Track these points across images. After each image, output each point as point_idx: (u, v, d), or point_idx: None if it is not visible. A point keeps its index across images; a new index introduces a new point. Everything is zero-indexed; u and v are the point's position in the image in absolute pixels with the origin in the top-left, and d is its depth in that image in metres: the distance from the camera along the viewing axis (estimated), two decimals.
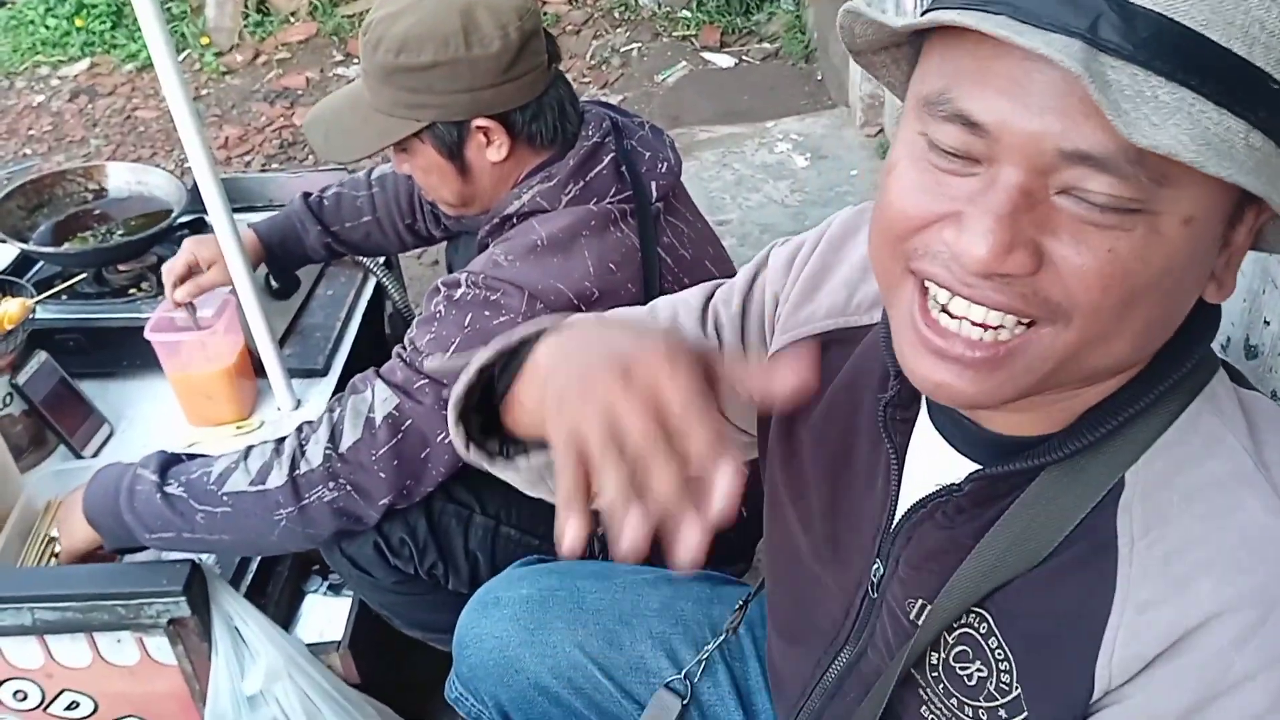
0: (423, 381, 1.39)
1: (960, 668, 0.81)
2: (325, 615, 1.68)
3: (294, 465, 1.40)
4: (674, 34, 5.18)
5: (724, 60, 4.92)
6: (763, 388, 0.68)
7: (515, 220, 1.48)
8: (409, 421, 1.39)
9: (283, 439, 1.46)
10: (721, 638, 1.27)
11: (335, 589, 1.72)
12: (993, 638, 0.78)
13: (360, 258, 2.10)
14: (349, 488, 1.40)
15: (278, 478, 1.40)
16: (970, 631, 0.80)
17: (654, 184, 1.53)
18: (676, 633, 1.30)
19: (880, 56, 0.76)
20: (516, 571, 1.37)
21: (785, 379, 0.67)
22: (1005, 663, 0.77)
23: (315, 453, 1.40)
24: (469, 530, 1.56)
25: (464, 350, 1.38)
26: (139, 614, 1.38)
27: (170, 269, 1.78)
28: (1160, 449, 0.73)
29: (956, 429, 0.81)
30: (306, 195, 1.94)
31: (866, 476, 0.90)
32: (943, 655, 0.82)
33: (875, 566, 0.89)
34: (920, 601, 0.83)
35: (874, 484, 0.89)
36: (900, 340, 0.72)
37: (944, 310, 0.68)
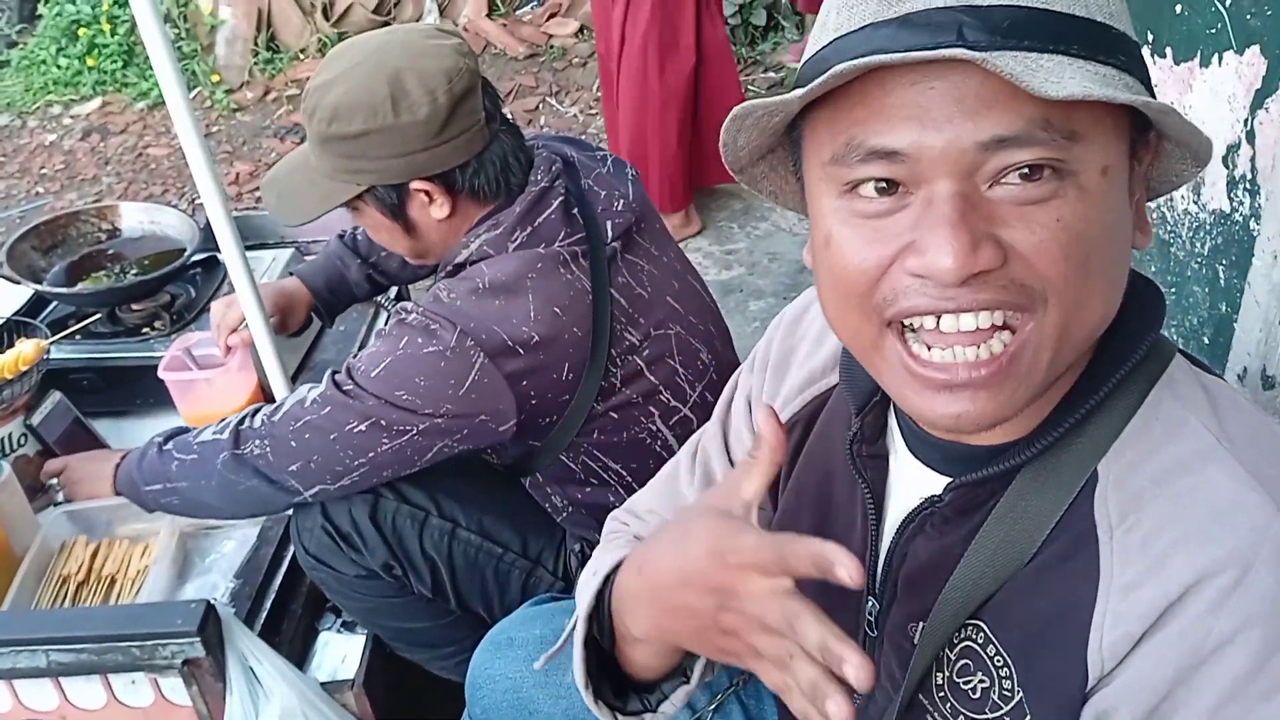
0: (352, 385, 1.47)
1: (964, 682, 0.81)
2: (339, 653, 1.67)
3: (242, 421, 1.55)
4: None
5: None
6: (769, 471, 0.78)
7: (466, 266, 1.50)
8: (326, 408, 1.47)
9: None
10: (739, 681, 1.26)
11: (349, 626, 1.71)
12: (990, 645, 0.79)
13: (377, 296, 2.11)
14: (269, 447, 1.50)
15: (229, 430, 1.54)
16: (970, 644, 0.81)
17: (609, 223, 1.55)
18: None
19: (759, 167, 0.81)
20: (529, 611, 1.36)
21: (769, 451, 0.77)
22: (1005, 669, 0.78)
23: (259, 417, 1.54)
24: (424, 532, 1.59)
25: (393, 370, 1.44)
26: (153, 655, 1.38)
27: (226, 321, 1.82)
28: (1127, 438, 0.75)
29: (933, 451, 0.84)
30: (341, 234, 1.98)
31: (846, 517, 0.92)
32: (947, 674, 0.83)
33: (870, 604, 0.90)
34: (920, 625, 0.84)
35: (854, 523, 0.91)
36: (903, 391, 0.74)
37: (933, 346, 0.70)
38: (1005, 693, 0.78)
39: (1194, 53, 1.44)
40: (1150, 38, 1.53)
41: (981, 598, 0.79)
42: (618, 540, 1.13)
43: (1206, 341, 1.53)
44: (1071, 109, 0.64)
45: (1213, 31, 1.38)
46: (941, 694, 0.83)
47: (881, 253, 0.69)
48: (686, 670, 0.94)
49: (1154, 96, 0.69)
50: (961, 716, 0.82)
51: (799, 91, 0.69)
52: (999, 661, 0.78)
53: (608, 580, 0.95)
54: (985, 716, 0.80)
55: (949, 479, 0.82)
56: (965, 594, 0.79)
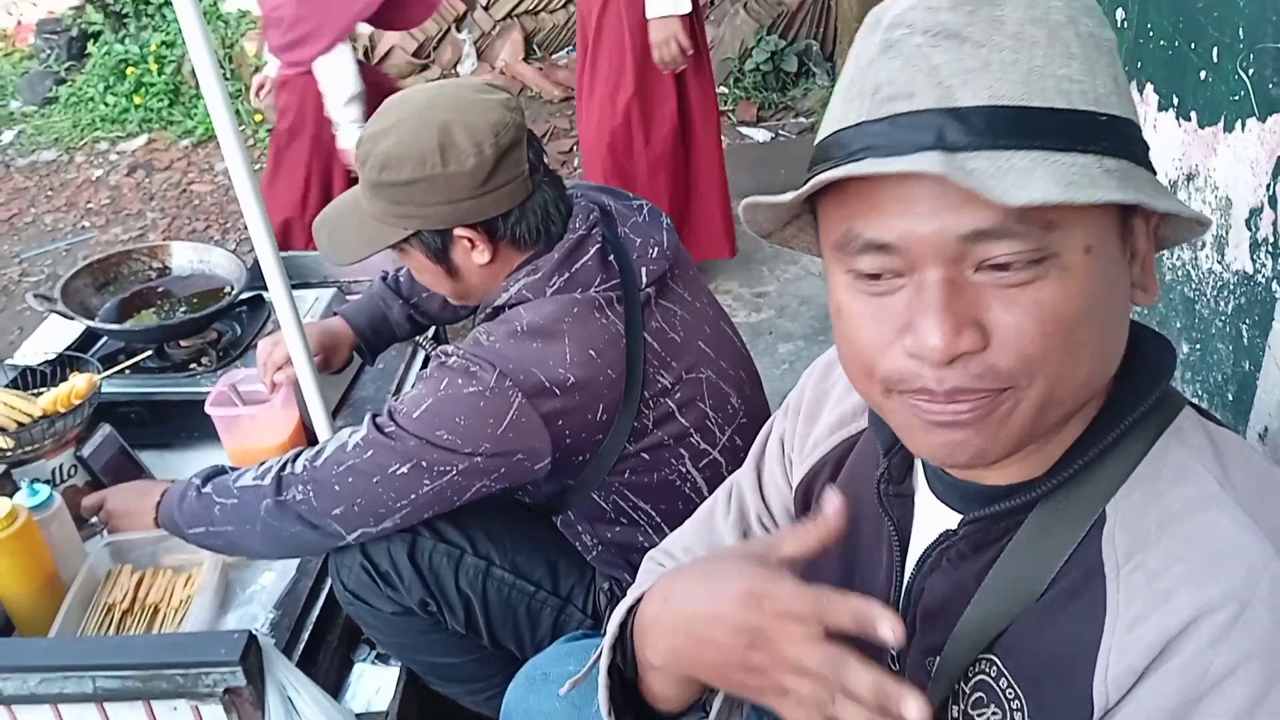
0: (394, 427, 1.50)
1: (978, 714, 0.84)
2: (373, 685, 1.71)
3: (284, 467, 1.58)
4: None
5: (760, 134, 5.01)
6: (812, 545, 0.83)
7: (505, 310, 1.56)
8: (369, 452, 1.51)
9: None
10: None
11: (383, 658, 1.75)
12: (1003, 679, 0.82)
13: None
14: (311, 492, 1.53)
15: (271, 475, 1.57)
16: (983, 677, 0.84)
17: (644, 269, 1.60)
18: None
19: (788, 231, 0.88)
20: (564, 646, 1.39)
21: (824, 530, 0.82)
22: (1016, 701, 0.81)
23: (300, 462, 1.57)
24: (459, 570, 1.62)
25: (434, 411, 1.48)
26: (196, 683, 1.41)
27: (272, 359, 1.87)
28: (1135, 482, 0.79)
29: (951, 490, 0.88)
30: (384, 275, 2.04)
31: (872, 556, 0.96)
32: (963, 707, 0.86)
33: None
34: (936, 659, 0.87)
35: (879, 561, 0.95)
36: (910, 433, 0.80)
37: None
38: None
39: (1218, 118, 1.47)
40: (1175, 101, 1.57)
41: (994, 632, 0.83)
42: (650, 581, 1.16)
43: (1230, 399, 1.55)
44: None
45: (1236, 99, 1.41)
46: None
47: (884, 331, 0.76)
48: (706, 704, 0.97)
49: (1148, 165, 0.75)
50: None
51: (793, 194, 0.77)
52: (1010, 694, 0.82)
53: (632, 610, 0.98)
54: None
55: (964, 515, 0.87)
56: (978, 628, 0.83)
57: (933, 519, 0.91)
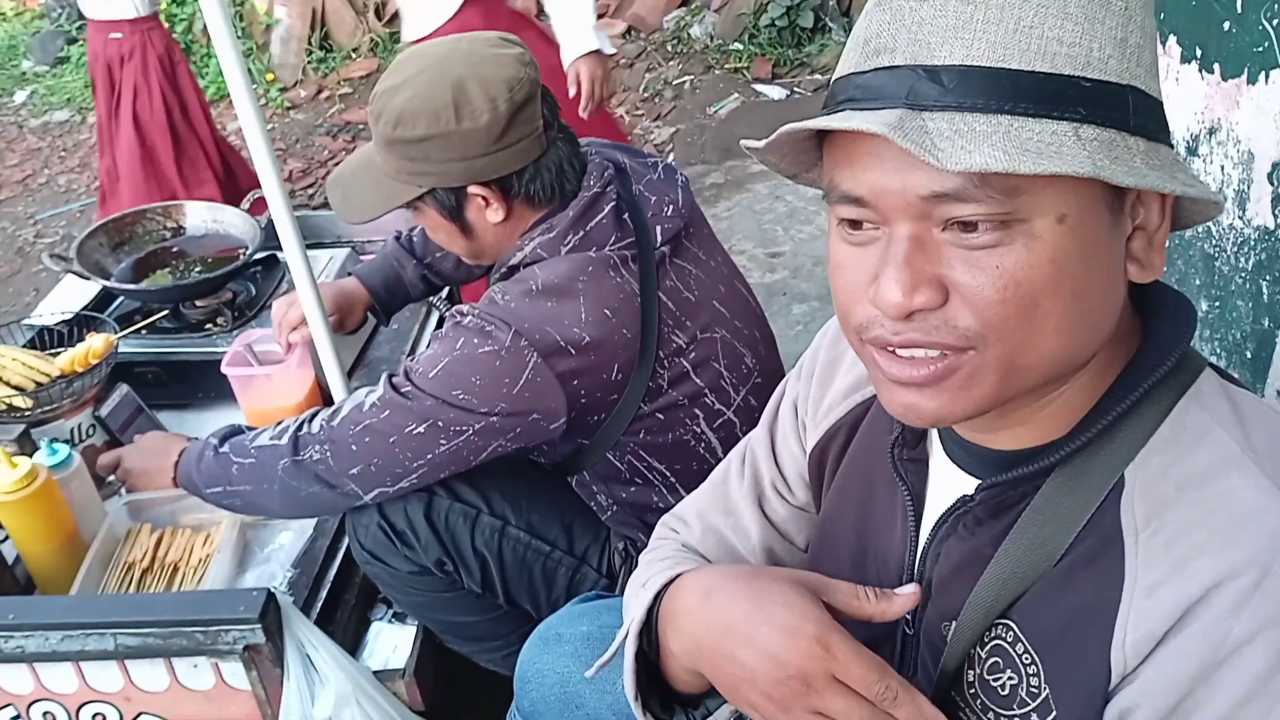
0: (410, 387, 1.51)
1: (993, 679, 0.85)
2: (390, 643, 1.72)
3: (300, 427, 1.59)
4: (726, 66, 5.24)
5: (776, 92, 4.97)
6: (876, 611, 0.87)
7: (520, 269, 1.55)
8: (385, 411, 1.51)
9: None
10: None
11: (400, 617, 1.76)
12: (1019, 644, 0.82)
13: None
14: (328, 452, 1.54)
15: (288, 435, 1.58)
16: (1000, 643, 0.84)
17: (659, 228, 1.59)
18: None
19: (814, 174, 0.88)
20: (577, 608, 1.40)
21: (901, 605, 0.87)
22: (1033, 666, 0.81)
23: (317, 422, 1.58)
24: (475, 529, 1.63)
25: (450, 370, 1.48)
26: (216, 640, 1.43)
27: (288, 320, 1.88)
28: (1154, 446, 0.78)
29: (966, 454, 0.89)
30: (398, 235, 2.04)
31: (887, 520, 0.96)
32: (978, 671, 0.86)
33: None
34: (952, 623, 0.88)
35: (894, 525, 0.95)
36: (877, 385, 0.82)
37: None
38: (1033, 690, 0.82)
39: (1241, 70, 1.45)
40: (1198, 53, 1.54)
41: (1010, 598, 0.82)
42: (665, 546, 1.17)
43: (1249, 356, 1.54)
44: None
45: (1260, 50, 1.39)
46: (973, 690, 0.87)
47: (859, 279, 0.77)
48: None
49: (1150, 134, 0.73)
50: (991, 713, 0.85)
51: (765, 140, 0.80)
52: (1027, 659, 0.82)
53: (658, 596, 0.98)
54: (1013, 713, 0.83)
55: (980, 481, 0.86)
56: (995, 594, 0.83)
57: (948, 484, 0.91)
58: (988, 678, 0.85)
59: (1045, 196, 0.70)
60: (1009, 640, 0.83)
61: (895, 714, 0.81)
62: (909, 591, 0.87)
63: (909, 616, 0.93)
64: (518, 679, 1.36)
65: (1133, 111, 0.71)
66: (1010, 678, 0.83)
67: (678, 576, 0.97)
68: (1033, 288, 0.71)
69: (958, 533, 0.88)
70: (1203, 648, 0.71)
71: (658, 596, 0.98)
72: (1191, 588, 0.72)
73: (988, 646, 0.85)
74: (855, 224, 0.77)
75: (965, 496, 0.87)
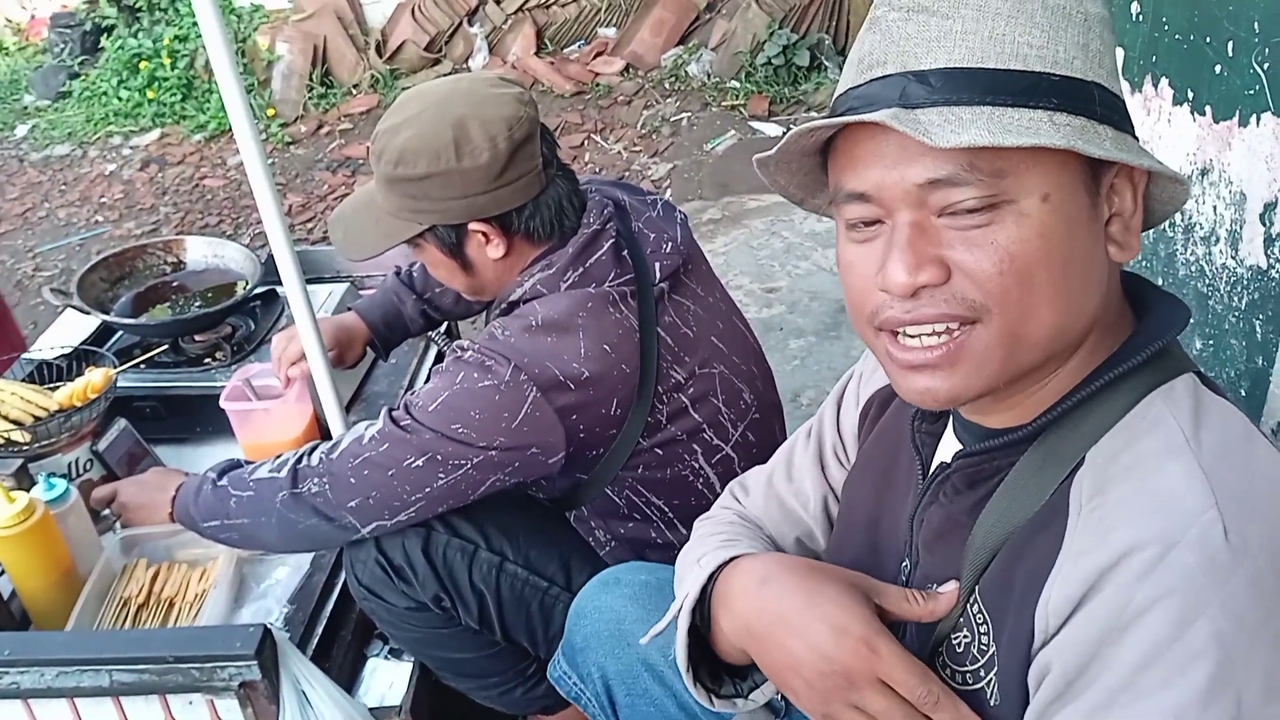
0: (409, 421, 1.51)
1: (954, 637, 0.91)
2: (387, 679, 1.71)
3: (300, 460, 1.59)
4: (723, 104, 5.29)
5: (772, 129, 5.01)
6: (924, 613, 0.92)
7: (520, 305, 1.56)
8: (385, 445, 1.51)
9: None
10: None
11: (396, 653, 1.75)
12: (975, 604, 0.89)
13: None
14: (327, 485, 1.54)
15: (287, 468, 1.58)
16: (966, 605, 0.90)
17: (658, 264, 1.61)
18: None
19: (819, 199, 0.98)
20: (635, 564, 1.46)
21: (945, 603, 0.91)
22: (985, 626, 0.88)
23: (316, 455, 1.58)
24: (473, 565, 1.63)
25: (450, 405, 1.49)
26: (212, 677, 1.42)
27: (287, 355, 1.88)
28: (1115, 431, 0.84)
29: (965, 431, 0.96)
30: (398, 271, 2.05)
31: (903, 487, 1.04)
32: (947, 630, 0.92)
33: (903, 563, 1.01)
34: (934, 586, 0.93)
35: (907, 493, 1.02)
36: (891, 375, 0.89)
37: (906, 336, 0.85)
38: (983, 646, 0.88)
39: (1233, 112, 1.47)
40: (1190, 95, 1.56)
41: (983, 565, 0.88)
42: (723, 516, 1.25)
43: (1244, 394, 1.55)
44: (997, 150, 0.77)
45: (1251, 93, 1.41)
46: (939, 648, 0.93)
47: (868, 272, 0.85)
48: None
49: (1116, 124, 0.82)
50: (949, 669, 0.91)
51: (777, 147, 0.88)
52: (980, 620, 0.88)
53: (713, 577, 1.05)
54: (965, 668, 0.90)
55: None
56: (973, 561, 0.89)
57: (945, 454, 0.98)
58: (950, 637, 0.92)
59: (1029, 178, 0.78)
60: (968, 602, 0.89)
61: (935, 717, 0.87)
62: (950, 590, 0.91)
63: (904, 578, 1.00)
64: (572, 615, 1.40)
65: (1098, 104, 0.81)
66: (965, 636, 0.90)
67: (736, 558, 1.04)
68: (1027, 260, 0.79)
69: (939, 500, 0.95)
70: (1107, 611, 0.76)
71: (712, 577, 1.04)
72: (1107, 555, 0.77)
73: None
74: (861, 224, 0.85)
75: (943, 464, 0.96)
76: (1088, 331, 0.86)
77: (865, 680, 0.88)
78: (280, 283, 1.71)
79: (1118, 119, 0.83)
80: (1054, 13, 0.80)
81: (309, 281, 1.74)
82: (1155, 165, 0.81)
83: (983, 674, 0.88)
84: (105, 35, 5.99)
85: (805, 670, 0.91)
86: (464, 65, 5.80)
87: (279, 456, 1.62)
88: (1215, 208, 1.55)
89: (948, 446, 0.99)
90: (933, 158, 0.78)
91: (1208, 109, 1.53)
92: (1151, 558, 0.75)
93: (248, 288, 2.12)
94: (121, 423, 1.88)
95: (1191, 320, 0.92)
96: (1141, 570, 0.75)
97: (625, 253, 1.59)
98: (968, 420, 0.95)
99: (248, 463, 1.68)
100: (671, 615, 1.07)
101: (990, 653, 0.87)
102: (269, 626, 1.44)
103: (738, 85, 5.35)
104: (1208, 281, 1.61)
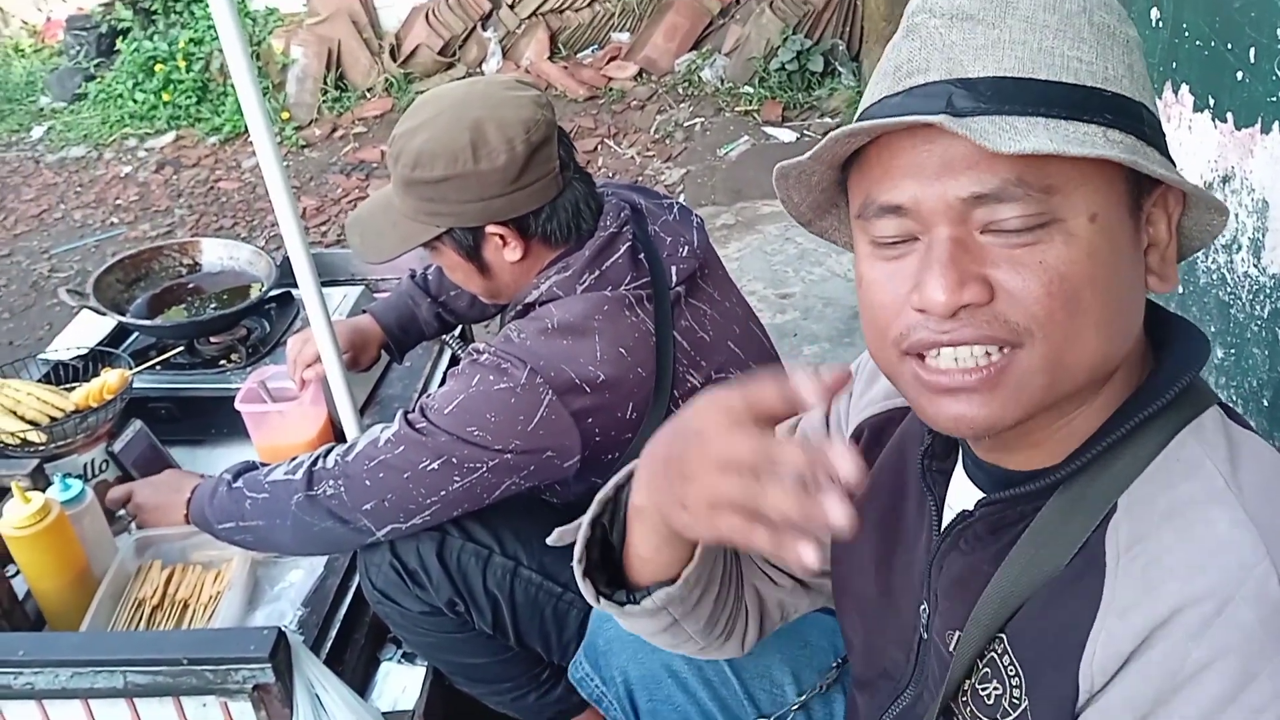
0: (425, 423, 1.51)
1: (982, 688, 0.87)
2: (400, 684, 1.71)
3: (315, 462, 1.58)
4: (736, 109, 5.28)
5: (786, 135, 5.00)
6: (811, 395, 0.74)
7: (536, 307, 1.56)
8: (400, 447, 1.51)
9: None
10: (842, 666, 1.35)
11: (409, 658, 1.75)
12: (1006, 656, 0.85)
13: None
14: (342, 487, 1.54)
15: (303, 471, 1.58)
16: (993, 655, 0.87)
17: (674, 268, 1.60)
18: (803, 656, 1.38)
19: (826, 221, 0.93)
20: None
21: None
22: (1016, 678, 0.84)
23: (332, 457, 1.58)
24: (488, 570, 1.63)
25: (466, 407, 1.48)
26: (226, 679, 1.42)
27: (302, 357, 1.88)
28: (1148, 474, 0.80)
29: (980, 472, 0.91)
30: (413, 274, 2.05)
31: (915, 529, 0.99)
32: (973, 681, 0.89)
33: (922, 607, 0.97)
34: (956, 633, 0.90)
35: (920, 534, 0.98)
36: (917, 401, 0.83)
37: (937, 359, 0.79)
38: (1015, 700, 0.84)
39: (1255, 119, 1.46)
40: (1212, 103, 1.55)
41: (1008, 614, 0.84)
42: None
43: (1266, 404, 1.54)
44: (1046, 165, 0.73)
45: (1273, 100, 1.40)
46: (964, 698, 0.89)
47: (897, 291, 0.79)
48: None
49: (1161, 149, 0.78)
50: None
51: (809, 154, 0.81)
52: (1011, 672, 0.84)
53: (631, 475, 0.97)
54: None
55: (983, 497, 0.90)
56: (995, 610, 0.85)
57: (962, 498, 0.93)
58: (979, 687, 0.88)
59: (1078, 196, 0.74)
60: (999, 652, 0.86)
61: (781, 472, 0.71)
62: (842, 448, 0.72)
63: (923, 622, 0.96)
64: (595, 617, 1.40)
65: (1146, 124, 0.78)
66: (996, 688, 0.86)
67: None
68: (1075, 281, 0.74)
69: (959, 547, 0.91)
70: (1162, 671, 0.73)
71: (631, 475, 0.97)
72: (1158, 610, 0.74)
73: (985, 658, 0.88)
74: (889, 243, 0.79)
75: (965, 512, 0.90)
76: (1122, 362, 0.82)
77: (713, 425, 0.75)
78: (295, 285, 1.71)
79: (1163, 144, 0.80)
80: (1100, 31, 0.77)
81: (324, 284, 1.75)
82: (1203, 193, 0.78)
83: None
84: (121, 38, 6.01)
85: (676, 464, 0.79)
86: (478, 69, 5.81)
87: (294, 459, 1.62)
88: (1237, 215, 1.54)
89: (959, 487, 0.94)
90: (979, 171, 0.74)
91: (1229, 116, 1.52)
92: (1206, 614, 0.72)
93: (263, 290, 2.13)
94: (137, 424, 1.88)
95: (1213, 330, 0.90)
96: (1197, 627, 0.72)
97: (641, 256, 1.59)
98: (983, 460, 0.90)
99: (263, 465, 1.67)
100: (588, 517, 1.02)
101: (1023, 707, 0.83)
102: (283, 629, 1.43)
103: (751, 90, 5.34)
104: (1229, 290, 1.60)
